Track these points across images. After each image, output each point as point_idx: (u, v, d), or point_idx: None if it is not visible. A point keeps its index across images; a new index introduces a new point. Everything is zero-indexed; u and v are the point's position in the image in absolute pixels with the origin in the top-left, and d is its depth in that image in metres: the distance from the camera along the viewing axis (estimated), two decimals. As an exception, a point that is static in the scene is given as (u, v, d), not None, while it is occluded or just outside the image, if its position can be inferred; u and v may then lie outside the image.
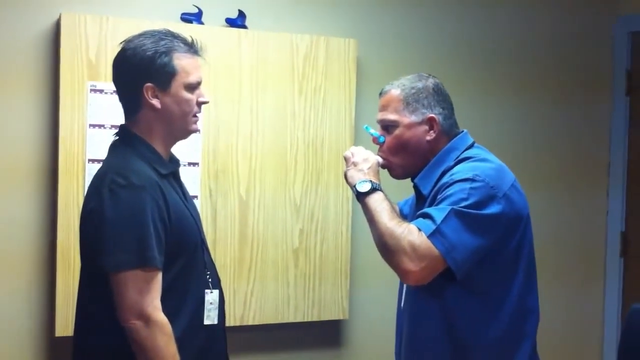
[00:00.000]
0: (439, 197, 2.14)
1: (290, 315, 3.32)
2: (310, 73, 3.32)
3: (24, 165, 3.00)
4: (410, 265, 2.04)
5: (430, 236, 2.04)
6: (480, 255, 2.09)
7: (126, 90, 2.18)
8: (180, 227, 2.13)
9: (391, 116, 2.26)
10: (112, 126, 2.98)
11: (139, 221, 2.02)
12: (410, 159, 2.27)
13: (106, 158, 2.20)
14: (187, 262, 2.16)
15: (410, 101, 2.24)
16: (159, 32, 2.18)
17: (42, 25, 3.00)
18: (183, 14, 3.16)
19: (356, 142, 3.35)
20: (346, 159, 2.31)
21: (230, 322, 3.05)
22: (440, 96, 2.27)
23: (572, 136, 4.02)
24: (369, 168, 2.25)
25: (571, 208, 4.04)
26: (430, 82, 2.28)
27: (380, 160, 2.29)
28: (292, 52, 3.29)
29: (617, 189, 4.06)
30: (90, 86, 2.97)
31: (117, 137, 2.22)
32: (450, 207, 2.07)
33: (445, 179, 2.17)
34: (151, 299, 2.02)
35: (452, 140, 2.27)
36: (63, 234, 2.93)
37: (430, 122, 2.24)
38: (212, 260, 2.32)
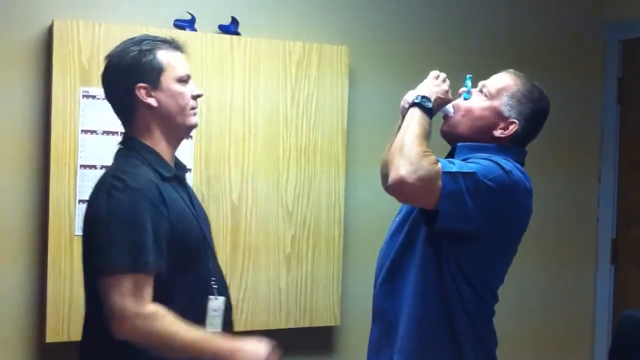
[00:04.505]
0: (470, 160, 2.15)
1: (282, 322, 3.32)
2: (303, 80, 3.33)
3: (15, 167, 2.99)
4: (408, 174, 1.99)
5: (445, 173, 2.03)
6: (462, 225, 2.09)
7: (119, 97, 2.17)
8: (181, 230, 2.11)
9: (493, 91, 2.27)
10: (105, 132, 2.99)
11: (135, 224, 2.00)
12: (467, 130, 2.28)
13: (110, 165, 2.20)
14: (189, 266, 2.13)
15: (516, 97, 2.26)
16: (138, 36, 2.21)
17: (35, 31, 3.00)
18: (176, 20, 3.17)
19: (349, 148, 3.36)
20: (432, 74, 2.29)
21: (221, 328, 3.04)
22: (536, 119, 2.29)
23: (563, 142, 4.04)
24: (438, 91, 2.24)
25: (567, 210, 4.05)
26: (540, 104, 2.30)
27: (452, 107, 2.29)
28: (284, 58, 3.30)
29: (608, 196, 4.07)
30: (83, 92, 2.97)
31: (122, 146, 2.21)
32: (476, 171, 2.07)
33: (482, 154, 2.18)
34: (140, 304, 1.99)
35: (509, 148, 2.27)
36: (54, 239, 2.93)
37: (508, 125, 2.26)
38: (218, 266, 2.28)
